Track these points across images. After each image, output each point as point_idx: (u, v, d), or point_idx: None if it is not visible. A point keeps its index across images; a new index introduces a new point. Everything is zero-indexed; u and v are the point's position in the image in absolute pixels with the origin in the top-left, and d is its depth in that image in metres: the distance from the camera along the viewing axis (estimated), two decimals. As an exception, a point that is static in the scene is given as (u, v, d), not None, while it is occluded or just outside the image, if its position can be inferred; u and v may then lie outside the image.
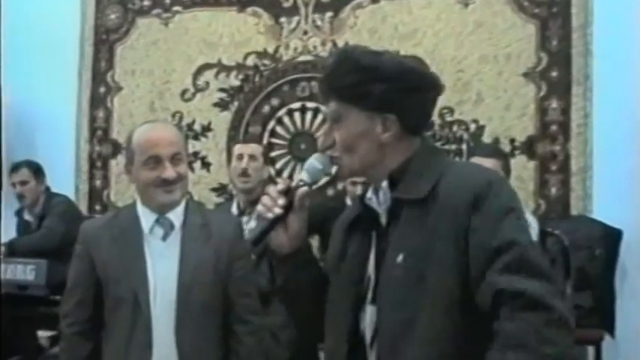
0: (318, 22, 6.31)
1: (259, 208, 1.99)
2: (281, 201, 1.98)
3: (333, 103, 2.02)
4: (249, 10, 6.50)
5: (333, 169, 2.08)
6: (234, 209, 4.72)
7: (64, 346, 3.05)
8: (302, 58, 6.36)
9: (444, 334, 1.80)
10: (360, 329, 1.99)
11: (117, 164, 6.84)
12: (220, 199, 6.36)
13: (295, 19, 6.38)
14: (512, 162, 4.91)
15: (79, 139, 7.02)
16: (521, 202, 1.96)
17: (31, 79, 6.92)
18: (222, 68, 6.54)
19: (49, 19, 7.00)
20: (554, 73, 5.64)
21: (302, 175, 2.04)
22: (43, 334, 5.41)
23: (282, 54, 6.41)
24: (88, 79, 7.02)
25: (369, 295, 1.98)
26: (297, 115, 6.35)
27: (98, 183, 6.99)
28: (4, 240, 5.85)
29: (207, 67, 6.59)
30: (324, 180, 4.66)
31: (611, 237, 5.17)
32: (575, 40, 5.59)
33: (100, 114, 6.97)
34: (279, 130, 6.39)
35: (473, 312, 1.80)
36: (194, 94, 6.62)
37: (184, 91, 6.65)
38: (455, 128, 5.81)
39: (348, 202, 5.13)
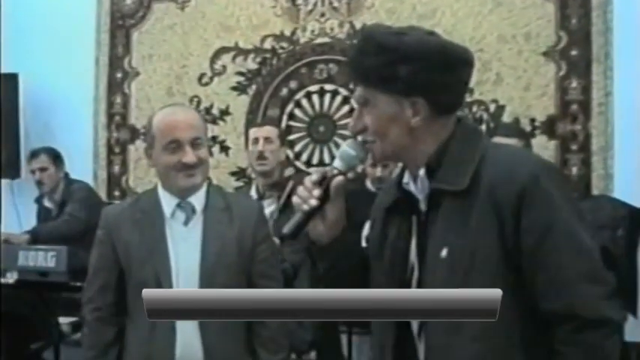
0: (335, 4, 6.28)
1: (295, 200, 1.95)
2: (316, 192, 1.93)
3: (361, 87, 1.95)
4: (266, -8, 6.48)
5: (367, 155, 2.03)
6: (254, 193, 4.71)
7: (87, 332, 3.04)
8: (319, 40, 6.33)
9: (491, 331, 1.77)
10: None
11: (135, 150, 6.84)
12: (239, 183, 6.36)
13: (312, 1, 6.35)
14: (533, 142, 4.89)
15: (96, 125, 7.02)
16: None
17: (48, 66, 6.92)
18: (239, 52, 6.52)
19: (64, 6, 7.00)
20: (574, 52, 5.59)
21: (335, 163, 2.00)
22: (64, 321, 5.42)
23: (300, 36, 6.38)
24: (105, 65, 7.02)
25: (414, 284, 1.95)
26: (315, 98, 6.32)
27: (117, 169, 6.99)
28: (24, 226, 5.87)
29: (224, 50, 6.57)
30: (360, 167, 4.71)
31: (633, 216, 5.12)
32: (594, 19, 5.53)
33: (118, 99, 6.97)
34: (297, 113, 6.38)
35: (518, 308, 1.80)
36: (212, 78, 6.61)
37: (202, 75, 6.63)
38: (475, 109, 5.77)
39: (368, 184, 5.11)
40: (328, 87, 6.29)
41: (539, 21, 5.68)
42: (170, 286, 2.82)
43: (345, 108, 6.18)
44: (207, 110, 6.53)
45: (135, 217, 2.95)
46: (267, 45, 6.47)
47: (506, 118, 5.69)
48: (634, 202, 5.11)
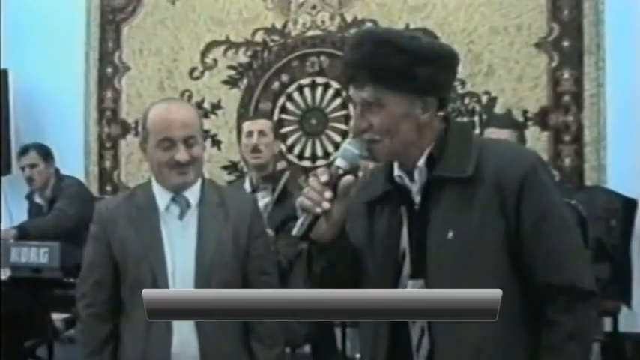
0: (326, -4, 6.27)
1: (305, 202, 1.96)
2: (328, 194, 1.96)
3: (371, 88, 1.99)
4: (257, -15, 6.45)
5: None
6: (247, 186, 4.70)
7: (82, 329, 3.01)
8: (311, 33, 6.33)
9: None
10: None
11: (127, 145, 6.83)
12: (231, 177, 6.35)
13: (303, -7, 6.33)
14: (526, 133, 4.88)
15: (87, 121, 7.01)
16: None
17: (38, 62, 6.91)
18: (230, 45, 6.51)
19: (54, 1, 6.98)
20: (565, 43, 5.60)
21: (337, 162, 2.01)
22: (57, 317, 5.40)
23: (291, 29, 6.37)
24: (95, 60, 7.01)
25: (407, 271, 2.04)
26: (307, 91, 6.32)
27: (108, 164, 6.98)
28: (15, 223, 5.84)
29: (215, 44, 6.56)
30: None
31: (627, 207, 5.13)
32: (586, 10, 5.55)
33: (109, 95, 6.96)
34: (289, 106, 6.37)
35: (518, 284, 1.97)
36: (203, 72, 6.60)
37: (193, 70, 6.63)
38: (467, 100, 5.78)
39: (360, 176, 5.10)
40: (320, 80, 6.28)
41: (530, 12, 5.68)
42: (166, 282, 2.80)
43: (337, 101, 6.19)
44: (199, 104, 6.51)
45: (129, 213, 2.92)
46: (258, 38, 6.45)
47: (498, 109, 5.70)
48: (627, 193, 5.14)
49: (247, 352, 2.94)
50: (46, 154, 5.97)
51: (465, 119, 5.72)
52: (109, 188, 6.93)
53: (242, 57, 6.50)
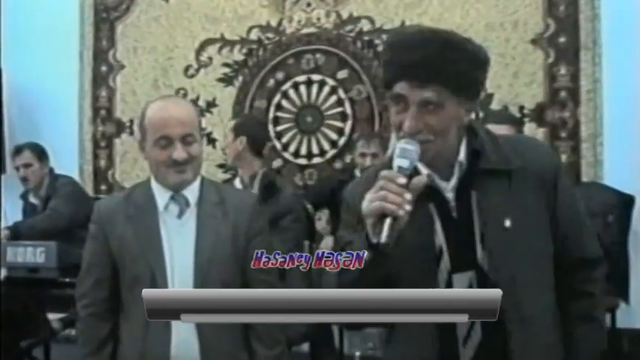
0: (321, -7, 6.26)
1: (388, 206, 1.85)
2: (408, 196, 1.89)
3: (436, 88, 1.96)
4: (251, -18, 6.44)
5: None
6: (238, 184, 4.67)
7: (82, 328, 2.99)
8: (306, 31, 6.32)
9: (548, 284, 2.14)
10: None
11: (121, 143, 6.81)
12: (227, 176, 6.33)
13: (298, -9, 6.32)
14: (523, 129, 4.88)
15: (82, 120, 6.99)
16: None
17: (32, 61, 6.89)
18: (225, 43, 6.50)
19: (47, 0, 6.94)
20: (562, 39, 5.60)
21: (399, 162, 1.93)
22: (54, 317, 5.38)
23: (286, 27, 6.36)
24: (89, 59, 6.99)
25: (445, 266, 2.08)
26: (302, 89, 6.30)
27: (103, 163, 6.96)
28: (9, 223, 5.81)
29: (210, 42, 6.55)
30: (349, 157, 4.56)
31: (624, 203, 5.13)
32: (582, 5, 5.56)
33: (103, 93, 6.94)
34: (284, 103, 6.36)
35: (554, 260, 2.15)
36: (198, 70, 6.59)
37: (188, 67, 6.61)
38: (463, 97, 5.75)
39: (357, 174, 5.09)
40: (315, 77, 6.27)
41: (527, 8, 5.68)
42: (165, 281, 2.79)
43: (333, 98, 6.18)
44: (194, 102, 6.48)
45: (128, 211, 2.90)
46: (253, 36, 6.44)
47: (494, 106, 5.68)
48: (624, 189, 5.14)
49: (247, 352, 2.92)
50: (40, 153, 5.94)
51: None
52: (103, 187, 6.91)
53: (237, 55, 6.49)
